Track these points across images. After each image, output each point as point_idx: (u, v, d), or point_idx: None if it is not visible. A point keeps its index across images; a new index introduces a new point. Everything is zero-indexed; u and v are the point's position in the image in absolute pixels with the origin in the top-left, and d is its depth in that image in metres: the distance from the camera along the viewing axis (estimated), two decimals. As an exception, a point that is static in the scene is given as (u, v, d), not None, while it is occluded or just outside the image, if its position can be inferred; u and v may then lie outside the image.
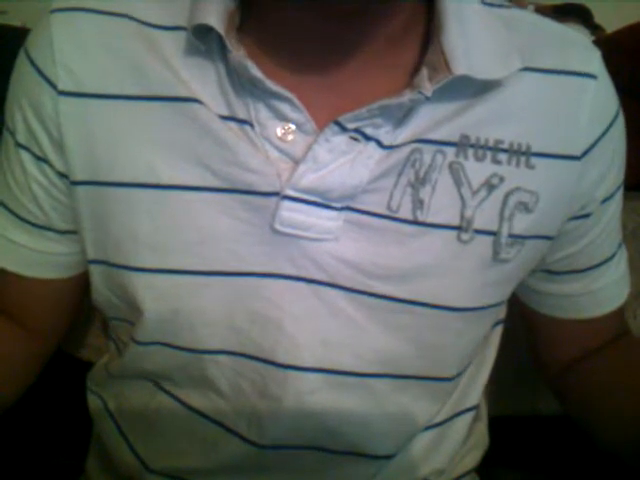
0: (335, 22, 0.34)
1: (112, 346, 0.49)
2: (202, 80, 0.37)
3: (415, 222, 0.38)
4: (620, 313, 0.48)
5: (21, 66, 0.40)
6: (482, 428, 0.53)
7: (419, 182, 0.37)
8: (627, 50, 0.72)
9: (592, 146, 0.40)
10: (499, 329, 0.50)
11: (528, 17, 0.41)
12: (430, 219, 0.38)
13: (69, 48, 0.38)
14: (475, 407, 0.49)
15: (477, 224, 0.38)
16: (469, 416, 0.49)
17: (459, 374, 0.44)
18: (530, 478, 0.68)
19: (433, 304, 0.39)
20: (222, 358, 0.40)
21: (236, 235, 0.38)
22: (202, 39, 0.35)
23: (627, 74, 0.66)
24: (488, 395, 0.53)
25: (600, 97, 0.40)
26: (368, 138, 0.36)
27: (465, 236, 0.38)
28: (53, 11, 0.38)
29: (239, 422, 0.41)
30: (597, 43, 0.42)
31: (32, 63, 0.39)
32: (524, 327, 0.53)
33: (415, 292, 0.39)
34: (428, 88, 0.34)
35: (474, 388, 0.49)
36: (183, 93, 0.37)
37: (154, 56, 0.37)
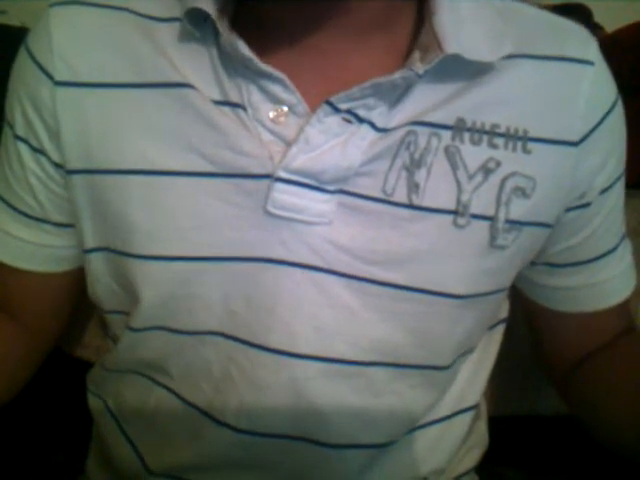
0: (315, 6, 0.35)
1: (111, 344, 0.49)
2: (196, 66, 0.37)
3: (410, 206, 0.37)
4: (626, 307, 0.48)
5: (21, 60, 0.41)
6: (482, 427, 0.53)
7: (414, 165, 0.37)
8: (628, 48, 0.72)
9: (590, 133, 0.40)
10: (501, 328, 0.50)
11: (523, 8, 0.41)
12: (426, 203, 0.37)
13: (67, 40, 0.39)
14: (475, 406, 0.49)
15: (474, 209, 0.38)
16: (469, 415, 0.49)
17: (454, 363, 0.44)
18: (529, 478, 0.68)
19: (429, 290, 0.39)
20: (219, 340, 0.40)
21: (230, 220, 0.38)
22: (196, 26, 0.36)
23: (628, 72, 0.66)
24: (488, 395, 0.53)
25: (598, 83, 0.40)
26: (361, 120, 0.36)
27: (461, 221, 0.38)
28: (52, 5, 0.40)
29: (227, 412, 0.41)
30: (597, 43, 0.42)
31: (31, 56, 0.40)
32: (528, 326, 0.52)
33: (411, 278, 0.38)
34: (419, 67, 0.35)
35: (474, 387, 0.49)
36: (176, 79, 0.37)
37: (149, 45, 0.38)
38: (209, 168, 0.37)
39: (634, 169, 0.45)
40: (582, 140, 0.39)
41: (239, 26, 0.37)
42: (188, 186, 0.38)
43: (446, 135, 0.37)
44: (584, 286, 0.46)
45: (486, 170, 0.38)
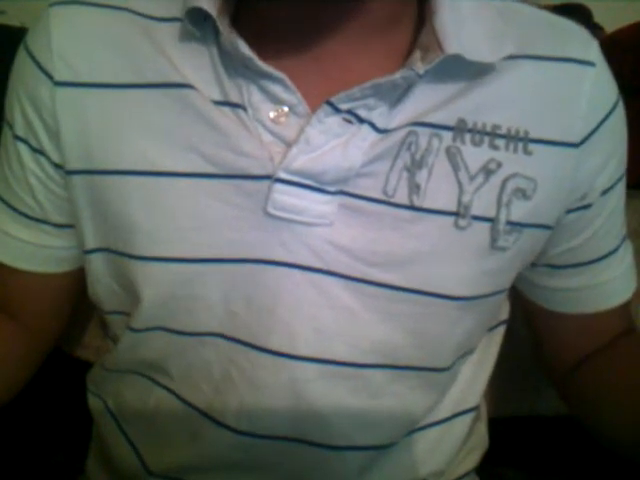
0: (317, 7, 0.35)
1: (111, 344, 0.49)
2: (196, 66, 0.37)
3: (411, 207, 0.37)
4: (627, 309, 0.47)
5: (20, 59, 0.41)
6: (482, 428, 0.53)
7: (415, 166, 0.37)
8: (628, 48, 0.72)
9: (591, 134, 0.39)
10: (501, 330, 0.50)
11: (523, 8, 0.41)
12: (427, 204, 0.37)
13: (66, 40, 0.39)
14: (475, 408, 0.49)
15: (475, 210, 0.38)
16: (469, 417, 0.48)
17: (454, 364, 0.44)
18: (529, 478, 0.68)
19: (430, 292, 0.39)
20: (219, 341, 0.40)
21: (230, 221, 0.38)
22: (197, 25, 0.36)
23: (628, 72, 0.67)
24: (488, 396, 0.53)
25: (599, 84, 0.40)
26: (362, 120, 0.36)
27: (462, 222, 0.38)
28: (52, 5, 0.39)
29: (227, 414, 0.41)
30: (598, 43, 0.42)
31: (30, 56, 0.39)
32: (528, 328, 0.52)
33: (411, 279, 0.38)
34: (420, 66, 0.35)
35: (475, 389, 0.48)
36: (177, 79, 0.37)
37: (150, 45, 0.38)
38: (209, 169, 0.37)
39: (635, 170, 0.45)
40: (583, 141, 0.39)
41: (239, 26, 0.37)
42: (188, 187, 0.37)
43: (447, 136, 0.37)
44: (585, 287, 0.46)
45: (487, 171, 0.38)
